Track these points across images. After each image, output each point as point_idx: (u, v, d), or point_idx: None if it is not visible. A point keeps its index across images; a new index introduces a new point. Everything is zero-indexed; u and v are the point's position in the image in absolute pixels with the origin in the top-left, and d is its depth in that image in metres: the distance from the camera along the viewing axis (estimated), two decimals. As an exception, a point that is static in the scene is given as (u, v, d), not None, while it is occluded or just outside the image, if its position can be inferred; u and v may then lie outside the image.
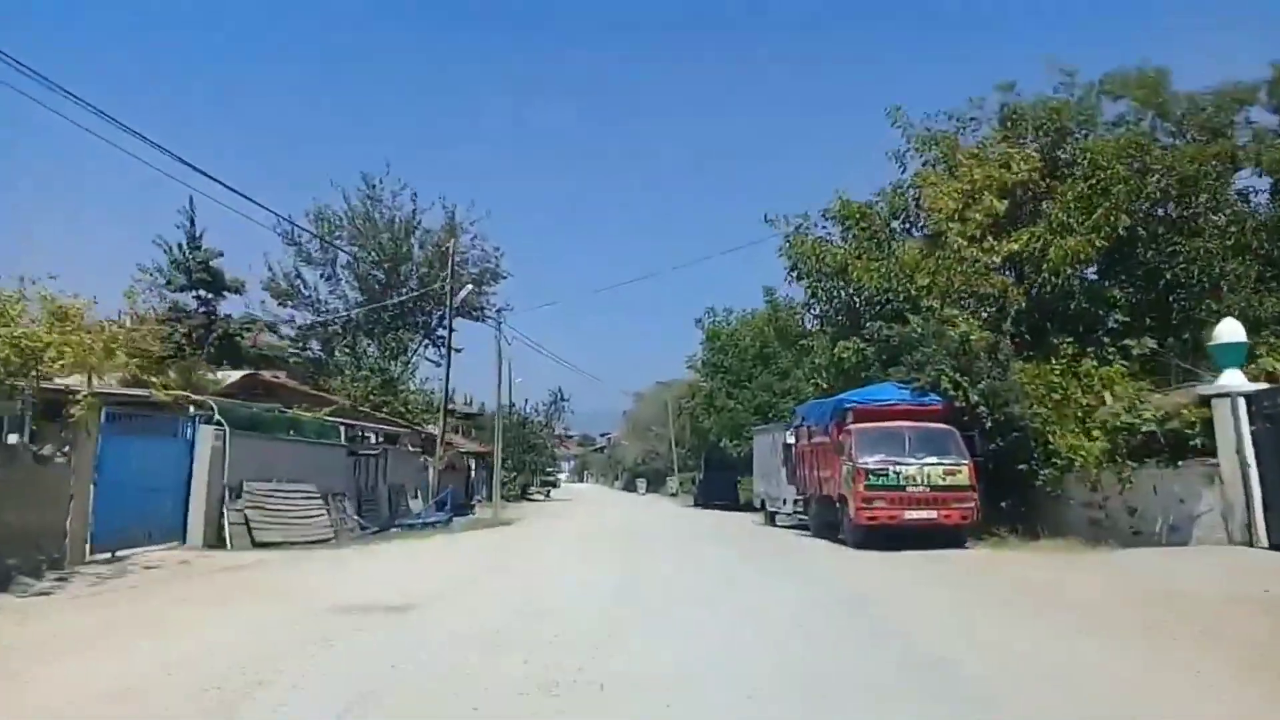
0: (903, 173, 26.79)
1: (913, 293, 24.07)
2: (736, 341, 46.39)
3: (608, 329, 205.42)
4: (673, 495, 72.09)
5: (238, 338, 27.99)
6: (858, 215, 26.07)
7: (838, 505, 21.39)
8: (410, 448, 33.05)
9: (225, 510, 19.51)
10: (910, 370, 21.44)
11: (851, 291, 25.38)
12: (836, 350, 24.96)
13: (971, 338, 20.73)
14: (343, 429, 26.08)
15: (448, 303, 34.37)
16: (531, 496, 63.35)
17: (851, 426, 20.53)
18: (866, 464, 19.66)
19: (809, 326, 28.71)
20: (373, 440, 29.12)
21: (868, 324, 24.65)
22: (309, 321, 48.37)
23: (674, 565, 16.82)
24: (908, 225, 27.09)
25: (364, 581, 14.25)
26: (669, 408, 77.93)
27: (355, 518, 24.94)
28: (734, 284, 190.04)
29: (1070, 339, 21.73)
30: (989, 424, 20.46)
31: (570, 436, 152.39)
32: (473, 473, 52.64)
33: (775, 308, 47.82)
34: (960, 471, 19.55)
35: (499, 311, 47.86)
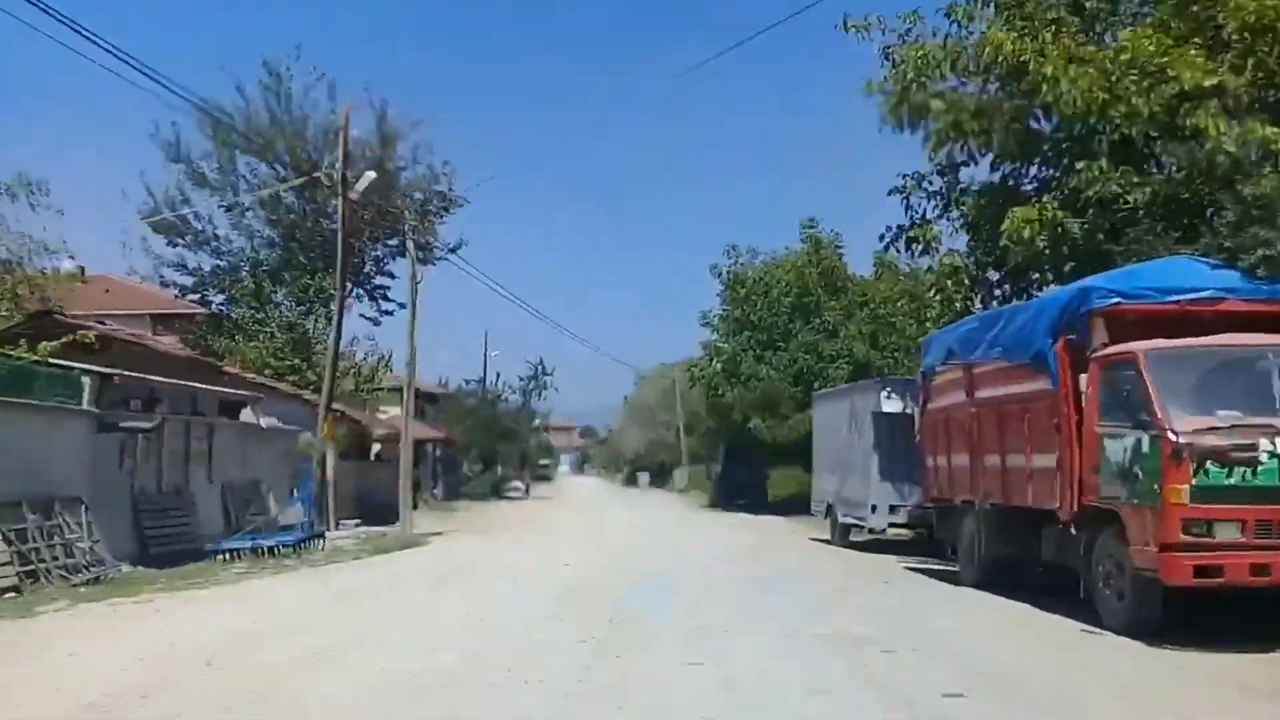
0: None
1: (1154, 110, 12.14)
2: (767, 289, 34.40)
3: (609, 304, 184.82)
4: (681, 492, 60.27)
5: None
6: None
7: (1063, 531, 9.48)
8: (258, 424, 21.02)
9: None
10: (1242, 222, 9.36)
11: (1035, 115, 13.36)
12: (1010, 225, 12.89)
13: None
14: (88, 383, 14.22)
15: (339, 194, 22.44)
16: (509, 494, 51.53)
17: (1137, 348, 8.52)
18: (1194, 436, 7.73)
19: (924, 213, 16.43)
20: (205, 406, 17.17)
21: (1079, 169, 12.62)
22: (209, 267, 36.41)
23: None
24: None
25: None
26: (676, 387, 66.02)
27: (88, 545, 13.07)
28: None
29: None
30: None
31: (572, 428, 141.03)
32: (418, 465, 40.83)
33: (817, 244, 36.04)
34: None
35: (453, 250, 36.25)
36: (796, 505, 38.52)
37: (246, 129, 34.15)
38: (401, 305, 39.32)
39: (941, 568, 14.44)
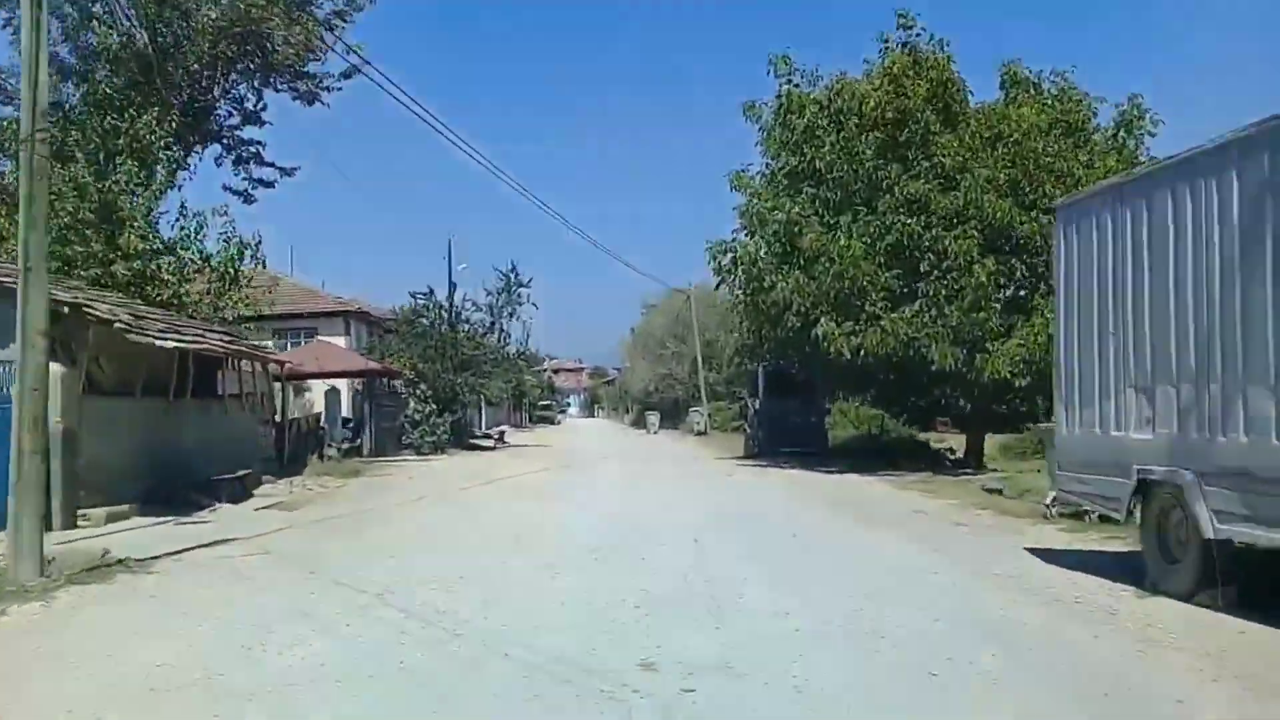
0: None
1: None
2: (839, 120, 21.71)
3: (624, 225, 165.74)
4: (700, 434, 48.21)
5: None
6: None
7: None
8: None
9: None
10: None
11: None
12: None
13: None
14: None
15: None
16: (478, 440, 39.52)
17: None
18: None
19: None
20: None
21: None
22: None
23: None
24: None
25: None
26: (692, 305, 53.68)
27: None
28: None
29: None
30: None
31: (581, 368, 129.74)
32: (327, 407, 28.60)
33: (914, 54, 23.29)
34: None
35: (347, 76, 23.85)
36: (864, 455, 26.18)
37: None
38: (286, 171, 26.88)
39: None
